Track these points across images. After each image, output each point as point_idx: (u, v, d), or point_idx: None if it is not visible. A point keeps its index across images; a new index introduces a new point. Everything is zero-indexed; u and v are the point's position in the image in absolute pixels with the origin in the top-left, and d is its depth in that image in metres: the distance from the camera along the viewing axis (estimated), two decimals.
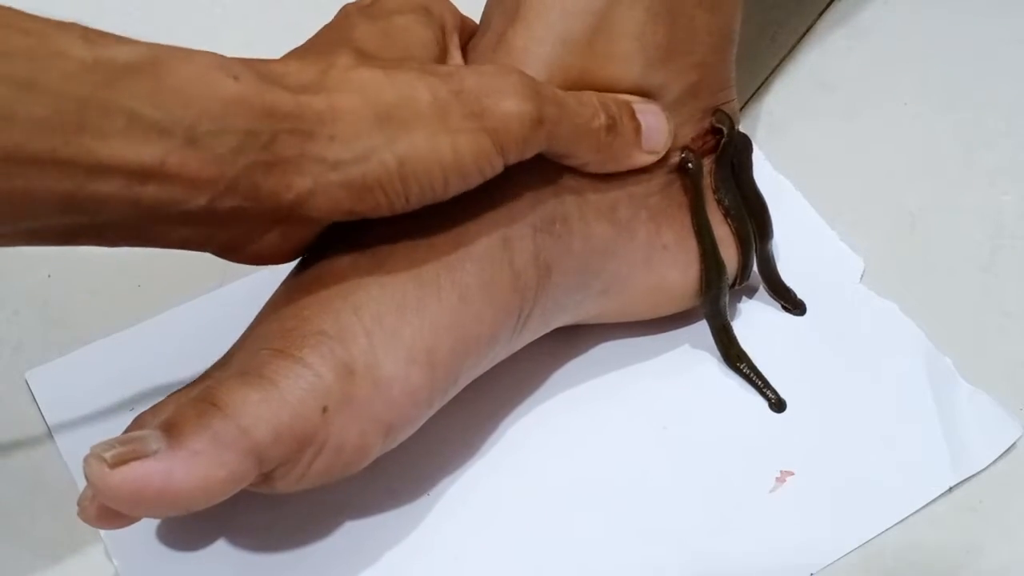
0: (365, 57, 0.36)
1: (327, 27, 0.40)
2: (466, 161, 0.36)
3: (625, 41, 0.41)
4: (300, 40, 0.41)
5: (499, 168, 0.37)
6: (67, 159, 0.30)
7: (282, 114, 0.33)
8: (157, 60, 0.32)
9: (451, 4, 0.43)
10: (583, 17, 0.41)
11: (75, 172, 0.30)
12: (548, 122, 0.38)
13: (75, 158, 0.30)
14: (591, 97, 0.40)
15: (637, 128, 0.41)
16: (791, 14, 0.57)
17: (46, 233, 0.33)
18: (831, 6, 0.58)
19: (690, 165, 0.43)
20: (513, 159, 0.37)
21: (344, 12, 0.41)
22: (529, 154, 0.38)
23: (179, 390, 0.38)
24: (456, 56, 0.41)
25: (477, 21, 0.44)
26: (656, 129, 0.41)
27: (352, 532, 0.41)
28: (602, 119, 0.39)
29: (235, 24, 0.57)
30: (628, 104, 0.41)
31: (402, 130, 0.35)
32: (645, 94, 0.41)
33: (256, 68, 0.34)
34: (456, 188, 0.37)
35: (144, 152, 0.31)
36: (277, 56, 0.41)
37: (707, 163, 0.44)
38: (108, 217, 0.32)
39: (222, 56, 0.33)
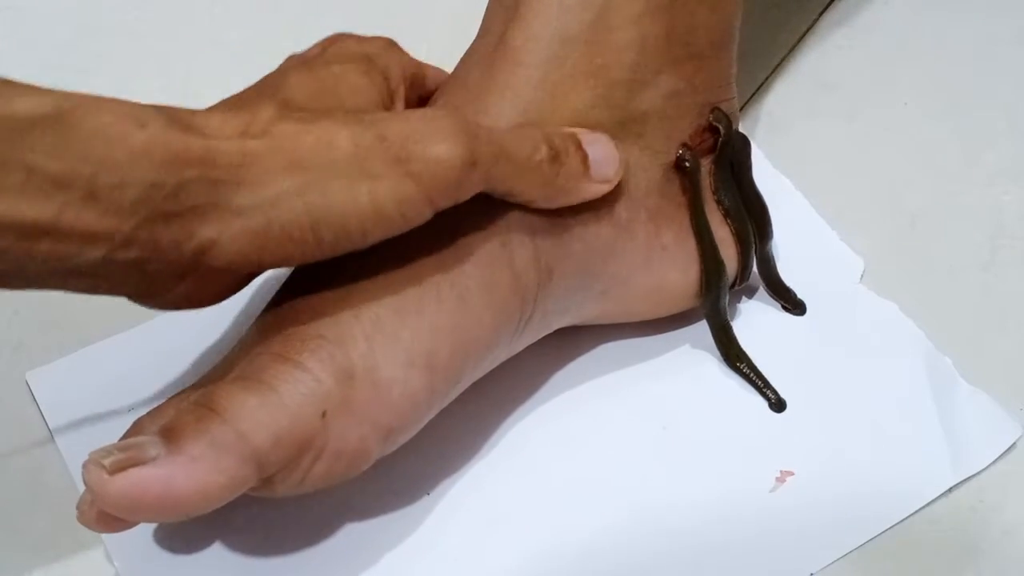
0: (291, 109, 0.35)
1: (265, 76, 0.40)
2: (386, 209, 0.35)
3: (622, 31, 0.41)
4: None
5: (427, 215, 0.36)
6: None
7: (190, 161, 0.32)
8: (62, 111, 0.31)
9: (403, 57, 0.42)
10: (581, 12, 0.41)
11: None
12: (482, 163, 0.36)
13: None
14: (533, 131, 0.39)
15: (584, 158, 0.40)
16: (791, 14, 0.57)
17: None
18: (831, 6, 0.58)
19: (687, 163, 0.43)
20: (445, 204, 0.36)
21: (287, 61, 0.41)
22: (464, 197, 0.37)
23: (178, 394, 0.38)
24: (399, 107, 0.41)
25: (476, 23, 0.44)
26: (605, 157, 0.40)
27: (352, 533, 0.41)
28: (543, 152, 0.38)
29: (235, 24, 0.57)
30: (573, 135, 0.40)
31: (315, 177, 0.34)
32: (641, 83, 0.41)
33: (171, 115, 0.33)
34: (378, 236, 0.36)
35: (38, 209, 0.30)
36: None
37: (706, 164, 0.44)
38: (2, 268, 0.31)
39: (136, 104, 0.32)
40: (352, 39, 0.42)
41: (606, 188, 0.41)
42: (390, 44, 0.42)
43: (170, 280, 0.35)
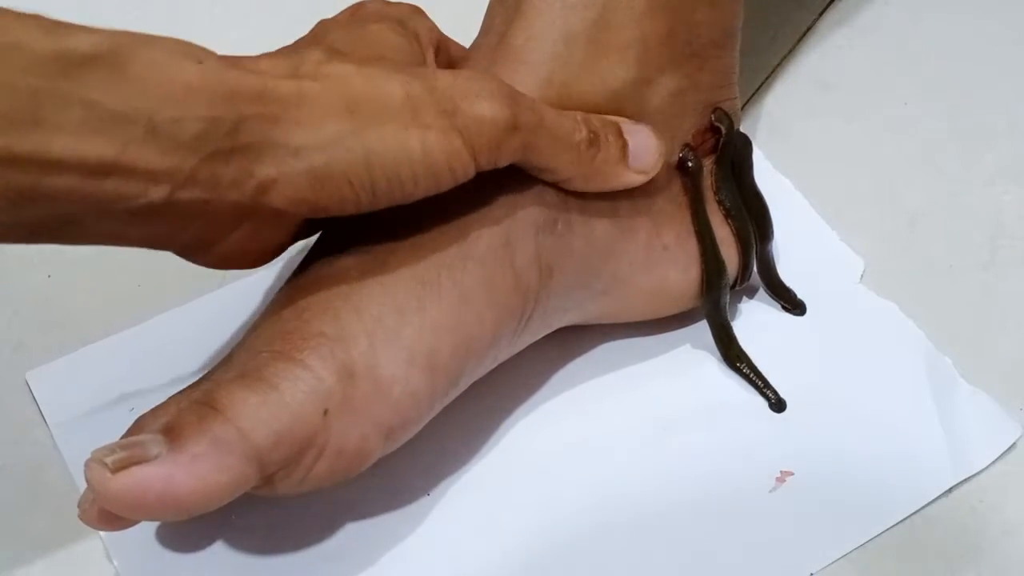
0: (338, 54, 0.36)
1: (302, 37, 0.40)
2: (436, 159, 0.35)
3: (625, 31, 0.41)
4: None
5: (471, 172, 0.37)
6: (22, 155, 0.30)
7: (247, 97, 0.33)
8: (118, 48, 0.31)
9: (429, 23, 0.43)
10: (583, 12, 0.41)
11: (30, 168, 0.30)
12: (523, 129, 0.37)
13: (31, 154, 0.30)
14: (573, 112, 0.39)
15: (623, 146, 0.40)
16: (791, 14, 0.57)
17: (3, 231, 0.32)
18: (831, 6, 0.58)
19: (690, 163, 0.43)
20: (486, 164, 0.37)
21: (319, 24, 0.41)
22: (504, 162, 0.37)
23: (180, 392, 0.38)
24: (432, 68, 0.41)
25: (477, 24, 0.44)
26: (645, 148, 0.41)
27: (352, 532, 0.41)
28: (583, 132, 0.39)
29: (235, 24, 0.57)
30: (615, 122, 0.40)
31: (371, 121, 0.35)
32: (644, 81, 0.41)
33: (224, 57, 0.33)
34: (426, 188, 0.36)
35: (101, 145, 0.31)
36: None
37: (708, 164, 0.44)
38: (66, 212, 0.32)
39: (188, 43, 0.33)
40: (379, 3, 0.42)
41: (643, 178, 0.41)
42: (417, 10, 0.43)
43: (227, 225, 0.35)
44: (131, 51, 0.31)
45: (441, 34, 0.43)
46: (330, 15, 0.42)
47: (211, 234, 0.35)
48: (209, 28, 0.57)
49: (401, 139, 0.35)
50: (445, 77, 0.36)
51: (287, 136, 0.34)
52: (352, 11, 0.42)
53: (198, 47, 0.33)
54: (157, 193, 0.32)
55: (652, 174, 0.41)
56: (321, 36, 0.39)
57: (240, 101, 0.33)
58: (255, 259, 0.38)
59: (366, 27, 0.40)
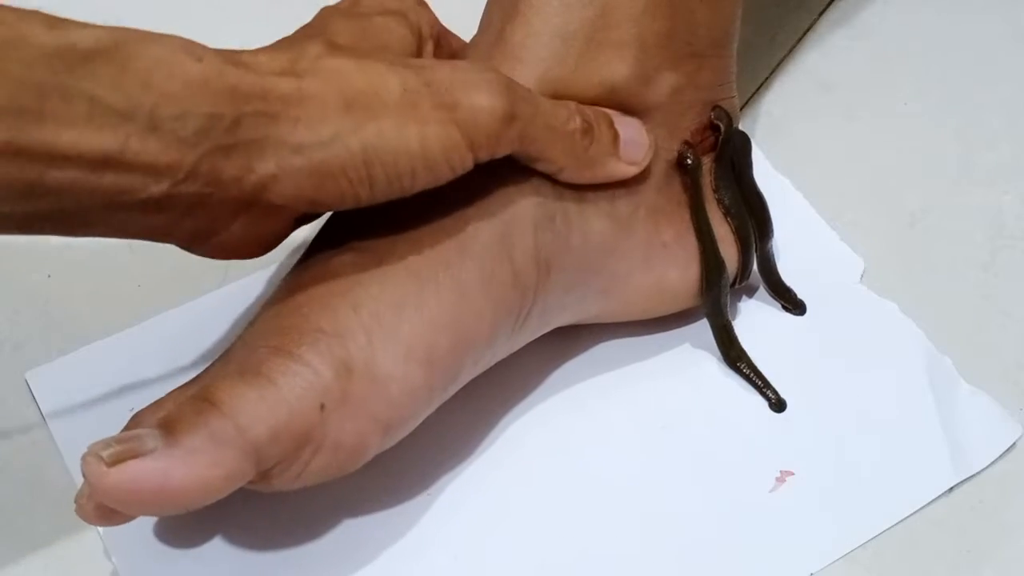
0: (337, 48, 0.36)
1: (304, 26, 0.41)
2: (434, 152, 0.36)
3: (623, 29, 0.41)
4: None
5: (469, 164, 0.37)
6: (26, 148, 0.30)
7: (246, 95, 0.33)
8: (119, 44, 0.31)
9: (430, 14, 0.43)
10: (581, 10, 0.41)
11: (34, 160, 0.30)
12: (520, 119, 0.37)
13: (34, 146, 0.30)
14: (567, 102, 0.40)
15: (615, 137, 0.40)
16: (791, 14, 0.57)
17: (6, 221, 0.32)
18: (831, 6, 0.58)
19: (688, 161, 0.43)
20: (484, 156, 0.37)
21: (322, 12, 0.41)
22: (501, 152, 0.38)
23: (178, 388, 0.38)
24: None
25: (475, 21, 0.44)
26: (635, 141, 0.41)
27: (352, 530, 0.41)
28: (577, 122, 0.39)
29: (235, 24, 0.57)
30: (606, 113, 0.41)
31: (369, 117, 0.35)
32: (642, 80, 0.41)
33: (223, 53, 0.34)
34: (424, 181, 0.36)
35: (104, 139, 0.31)
36: None
37: (707, 161, 0.44)
38: (68, 204, 0.32)
39: (188, 40, 0.33)
40: None
41: (634, 170, 0.41)
42: (420, 1, 0.43)
43: (227, 217, 0.36)
44: (132, 47, 0.31)
45: (442, 27, 0.43)
46: None
47: (210, 226, 0.36)
48: (209, 28, 0.57)
49: (399, 134, 0.35)
50: (443, 69, 0.37)
51: (287, 133, 0.34)
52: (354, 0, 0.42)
53: (198, 44, 0.33)
54: (158, 187, 0.32)
55: (642, 166, 0.41)
56: (322, 26, 0.39)
57: (240, 98, 0.33)
58: (254, 249, 0.38)
59: (369, 19, 0.40)
